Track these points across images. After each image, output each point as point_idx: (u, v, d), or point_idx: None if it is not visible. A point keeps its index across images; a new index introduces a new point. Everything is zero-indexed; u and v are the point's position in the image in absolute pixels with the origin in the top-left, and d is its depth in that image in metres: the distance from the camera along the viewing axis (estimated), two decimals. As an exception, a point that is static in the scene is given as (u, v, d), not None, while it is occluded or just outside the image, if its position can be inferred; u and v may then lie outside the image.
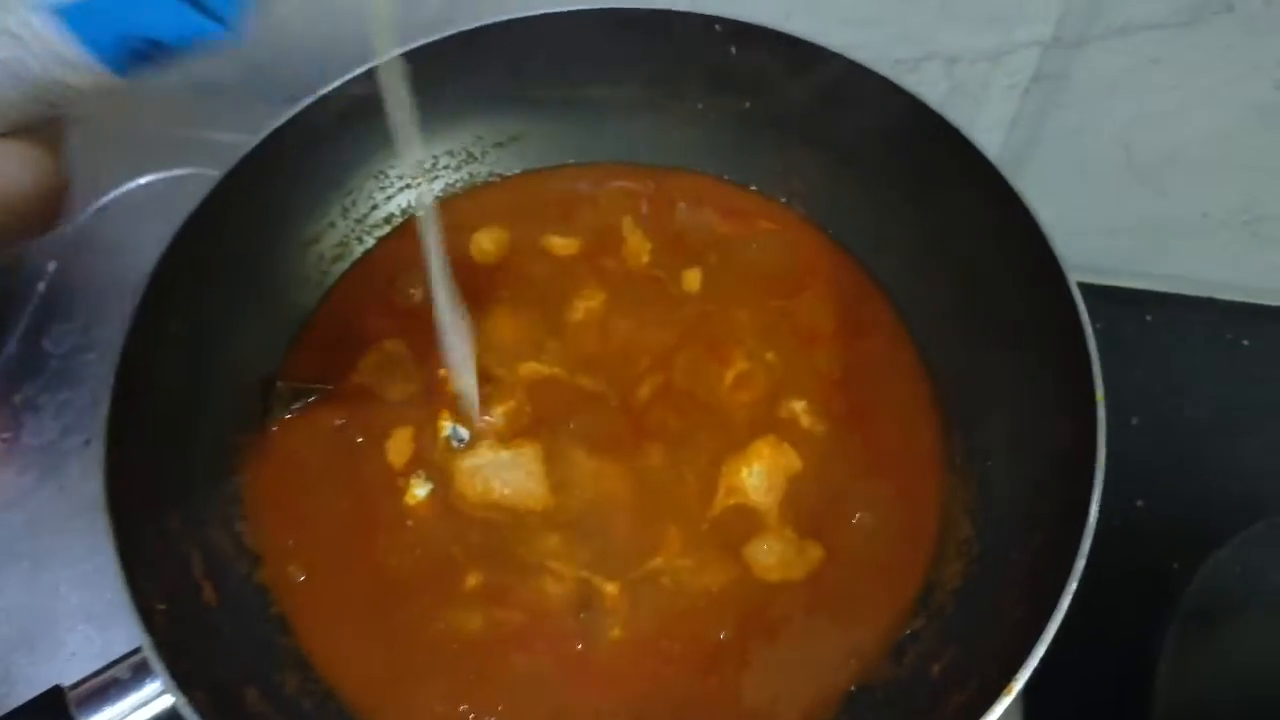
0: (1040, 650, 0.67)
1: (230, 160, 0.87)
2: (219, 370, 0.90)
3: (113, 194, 1.19)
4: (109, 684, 0.71)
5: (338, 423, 0.91)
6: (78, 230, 1.17)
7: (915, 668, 0.79)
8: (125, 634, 0.72)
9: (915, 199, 0.94)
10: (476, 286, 0.97)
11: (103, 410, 0.76)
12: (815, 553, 0.84)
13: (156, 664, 0.69)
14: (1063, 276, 0.79)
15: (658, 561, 0.84)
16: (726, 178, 1.03)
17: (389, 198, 1.02)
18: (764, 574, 0.84)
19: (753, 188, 1.03)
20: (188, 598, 0.79)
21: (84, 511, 1.00)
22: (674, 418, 0.90)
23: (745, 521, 0.86)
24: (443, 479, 0.88)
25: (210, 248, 0.87)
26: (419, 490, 0.88)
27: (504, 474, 0.88)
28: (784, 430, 0.90)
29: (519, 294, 0.97)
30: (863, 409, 0.91)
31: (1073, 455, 0.75)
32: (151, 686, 0.70)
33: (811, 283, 0.98)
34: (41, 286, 1.14)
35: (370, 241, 1.02)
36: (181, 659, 0.71)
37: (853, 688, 0.79)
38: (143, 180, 1.20)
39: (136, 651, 0.71)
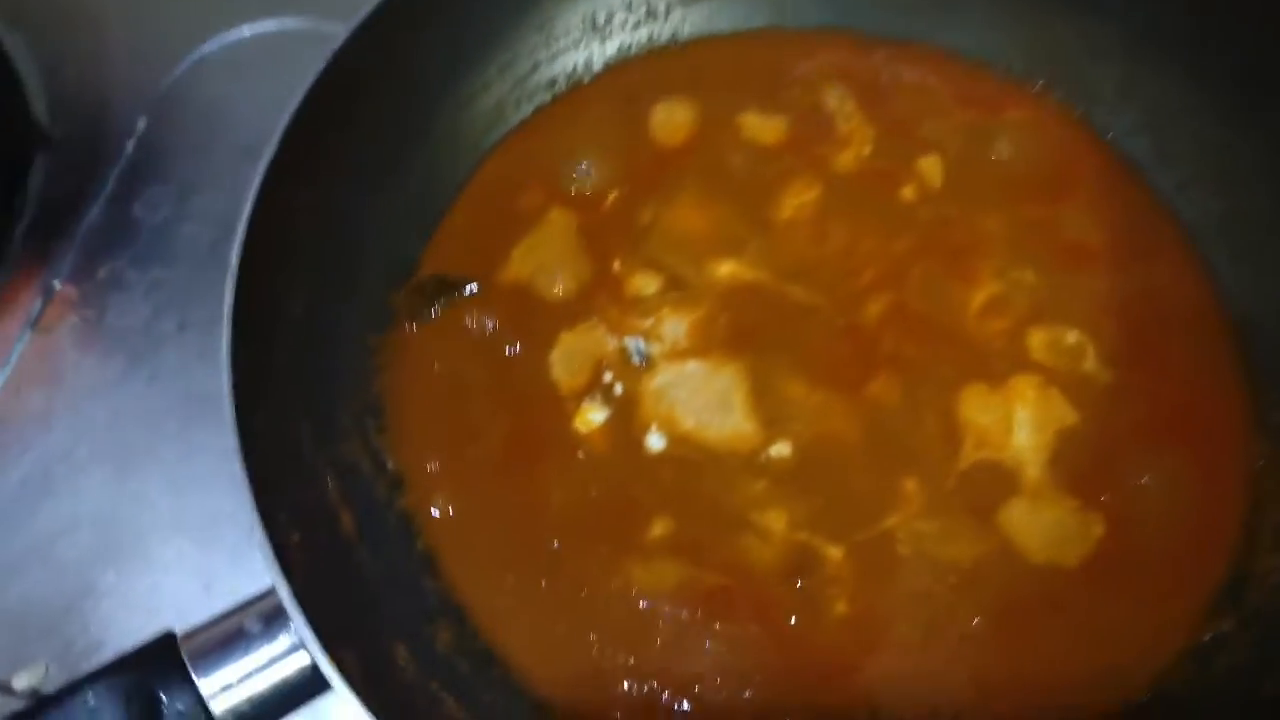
0: None
1: (352, 7, 0.69)
2: (353, 252, 0.74)
3: (211, 44, 1.02)
4: (233, 635, 0.56)
5: (490, 325, 0.75)
6: (172, 84, 1.00)
7: (1230, 681, 0.62)
8: (228, 554, 0.58)
9: (1231, 100, 0.74)
10: (656, 170, 0.80)
11: (227, 298, 0.61)
12: (1095, 529, 0.67)
13: (295, 613, 0.54)
14: None
15: (893, 522, 0.68)
16: (969, 54, 0.83)
17: (554, 57, 0.84)
18: (1028, 550, 0.67)
19: (1001, 67, 0.83)
20: (324, 528, 0.64)
21: (178, 408, 0.86)
22: (910, 345, 0.73)
23: (1002, 481, 0.69)
24: (623, 403, 0.72)
25: (345, 108, 0.70)
26: (593, 415, 0.72)
27: (699, 400, 0.72)
28: (1049, 369, 0.72)
29: (711, 183, 0.79)
30: (1147, 349, 0.72)
31: None
32: (286, 640, 0.56)
33: (1076, 188, 0.78)
34: (130, 145, 0.98)
35: (528, 109, 0.84)
36: (321, 605, 0.57)
37: (1144, 698, 0.63)
38: (245, 31, 1.02)
39: (268, 594, 0.56)
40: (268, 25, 1.02)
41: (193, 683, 0.54)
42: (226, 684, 0.55)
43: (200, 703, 0.54)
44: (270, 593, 0.56)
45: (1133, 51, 0.78)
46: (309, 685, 0.55)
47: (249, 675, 0.55)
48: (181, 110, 1.00)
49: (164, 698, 0.54)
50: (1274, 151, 0.72)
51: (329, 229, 0.71)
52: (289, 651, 0.56)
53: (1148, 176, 0.79)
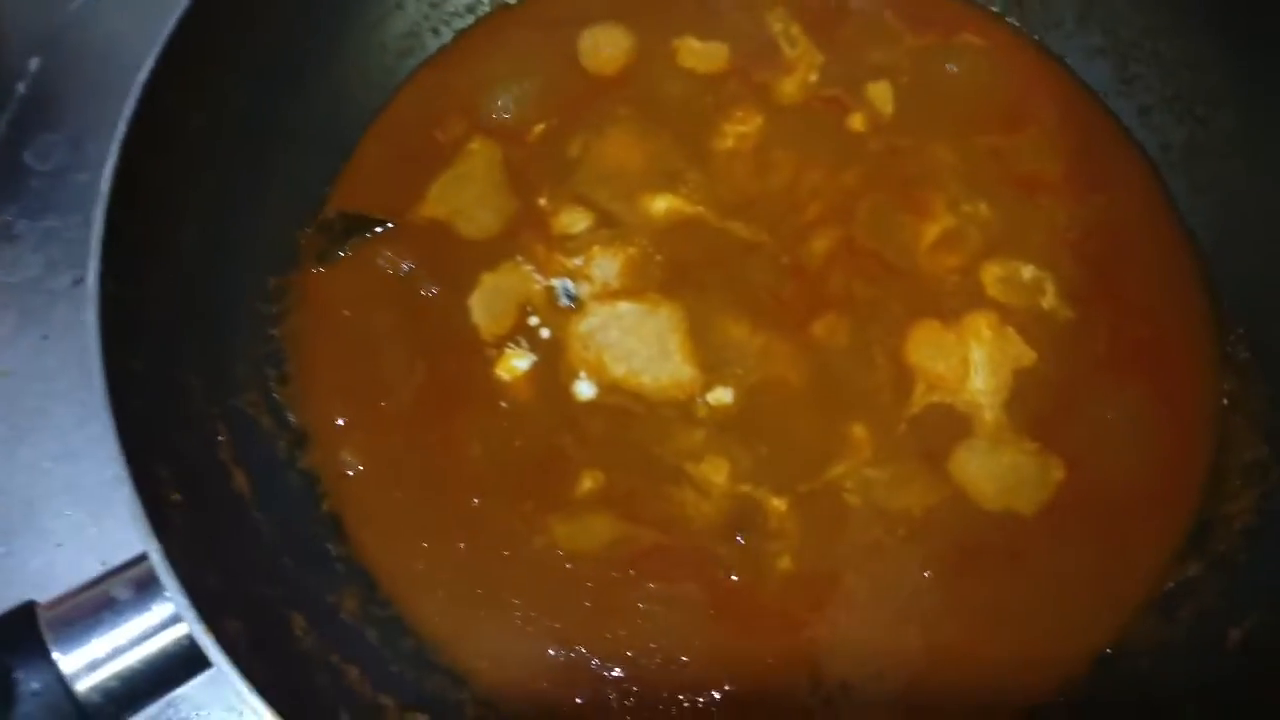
0: None
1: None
2: (253, 185, 0.67)
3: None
4: (100, 604, 0.50)
5: (405, 266, 0.68)
6: (67, 20, 0.92)
7: (1196, 629, 0.58)
8: (129, 529, 0.51)
9: (1194, 17, 0.69)
10: (587, 100, 0.74)
11: (96, 225, 0.54)
12: (1055, 472, 0.63)
13: (168, 577, 0.48)
14: None
15: (839, 470, 0.63)
16: (920, -26, 0.78)
17: (474, -24, 0.77)
18: (983, 497, 0.62)
19: (954, -9, 0.78)
20: (212, 485, 0.58)
21: (74, 367, 0.79)
22: (859, 284, 0.68)
23: (955, 425, 0.64)
24: (549, 348, 0.66)
25: (240, 25, 0.64)
26: (517, 362, 0.66)
27: (632, 344, 0.66)
28: (1005, 306, 0.67)
29: (646, 113, 0.73)
30: (1107, 283, 0.68)
31: None
32: (161, 610, 0.49)
33: (1033, 116, 0.74)
34: (21, 87, 0.89)
35: (448, 34, 0.77)
36: (204, 571, 0.51)
37: (1108, 649, 0.59)
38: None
39: (140, 559, 0.50)
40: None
41: (50, 658, 0.48)
42: (93, 660, 0.49)
43: (60, 680, 0.48)
44: (144, 557, 0.50)
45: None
46: (188, 660, 0.49)
47: (119, 650, 0.49)
48: (77, 49, 0.92)
49: (19, 676, 0.48)
50: (1239, 71, 0.68)
51: (224, 158, 0.65)
52: (166, 624, 0.49)
53: (1107, 103, 0.74)
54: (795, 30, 0.76)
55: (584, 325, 0.67)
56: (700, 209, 0.70)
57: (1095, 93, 0.75)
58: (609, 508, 0.62)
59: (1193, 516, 0.62)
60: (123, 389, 0.52)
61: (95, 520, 0.73)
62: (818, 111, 0.74)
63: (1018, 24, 0.77)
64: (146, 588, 0.49)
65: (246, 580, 0.55)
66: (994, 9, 0.77)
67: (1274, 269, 0.66)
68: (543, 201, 0.70)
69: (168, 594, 0.48)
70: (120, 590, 0.50)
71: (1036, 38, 0.76)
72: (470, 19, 0.77)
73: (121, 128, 0.57)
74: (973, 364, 0.66)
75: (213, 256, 0.63)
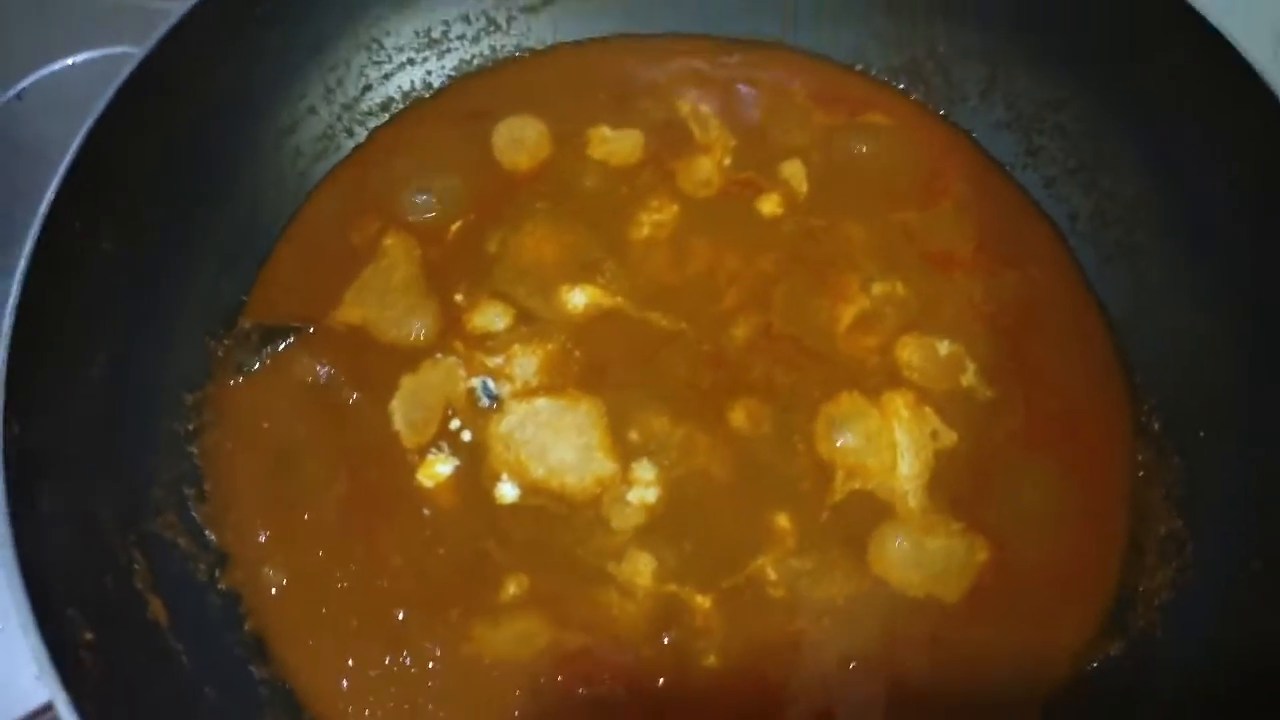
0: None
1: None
2: (165, 301, 0.66)
3: (32, 78, 0.93)
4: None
5: (324, 374, 0.68)
6: (-12, 118, 0.91)
7: (1119, 710, 0.59)
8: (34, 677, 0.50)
9: (1094, 88, 0.71)
10: (503, 194, 0.74)
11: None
12: (979, 554, 0.63)
13: (76, 731, 0.47)
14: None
15: (763, 564, 0.63)
16: (826, 55, 0.79)
17: (386, 76, 0.78)
18: (907, 584, 0.63)
19: (860, 69, 0.79)
20: (127, 617, 0.57)
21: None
22: (779, 370, 0.68)
23: (877, 511, 0.65)
24: (471, 451, 0.66)
25: (147, 140, 0.64)
26: (439, 467, 0.66)
27: (552, 442, 0.66)
28: (923, 387, 0.68)
29: (562, 206, 0.74)
30: (1023, 357, 0.69)
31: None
32: (68, 762, 0.49)
33: (943, 191, 0.75)
34: (-63, 192, 0.89)
35: (362, 133, 0.77)
36: (116, 711, 0.50)
37: (1032, 736, 0.60)
38: (70, 60, 0.93)
39: (48, 709, 0.49)
40: (102, 52, 0.94)
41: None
42: (-1, 819, 0.48)
43: None
44: (49, 708, 0.49)
45: (996, 47, 0.75)
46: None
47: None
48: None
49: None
50: (1139, 140, 0.70)
51: (135, 279, 0.64)
52: (73, 774, 0.48)
53: (1015, 175, 0.76)
54: (706, 113, 0.77)
55: (504, 425, 0.67)
56: (619, 300, 0.71)
57: (1002, 165, 0.76)
58: (534, 612, 0.62)
59: (1113, 594, 0.63)
60: (29, 531, 0.51)
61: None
62: (733, 196, 0.74)
63: (923, 99, 0.78)
64: (52, 741, 0.49)
65: (164, 714, 0.54)
66: (899, 85, 0.79)
67: (1183, 339, 0.67)
68: (460, 299, 0.70)
69: (74, 747, 0.47)
70: (25, 746, 0.49)
71: (942, 113, 0.78)
72: (385, 117, 0.78)
73: (22, 261, 0.57)
74: (893, 447, 0.66)
75: (125, 381, 0.62)
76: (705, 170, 0.75)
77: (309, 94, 0.74)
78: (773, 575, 0.63)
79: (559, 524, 0.64)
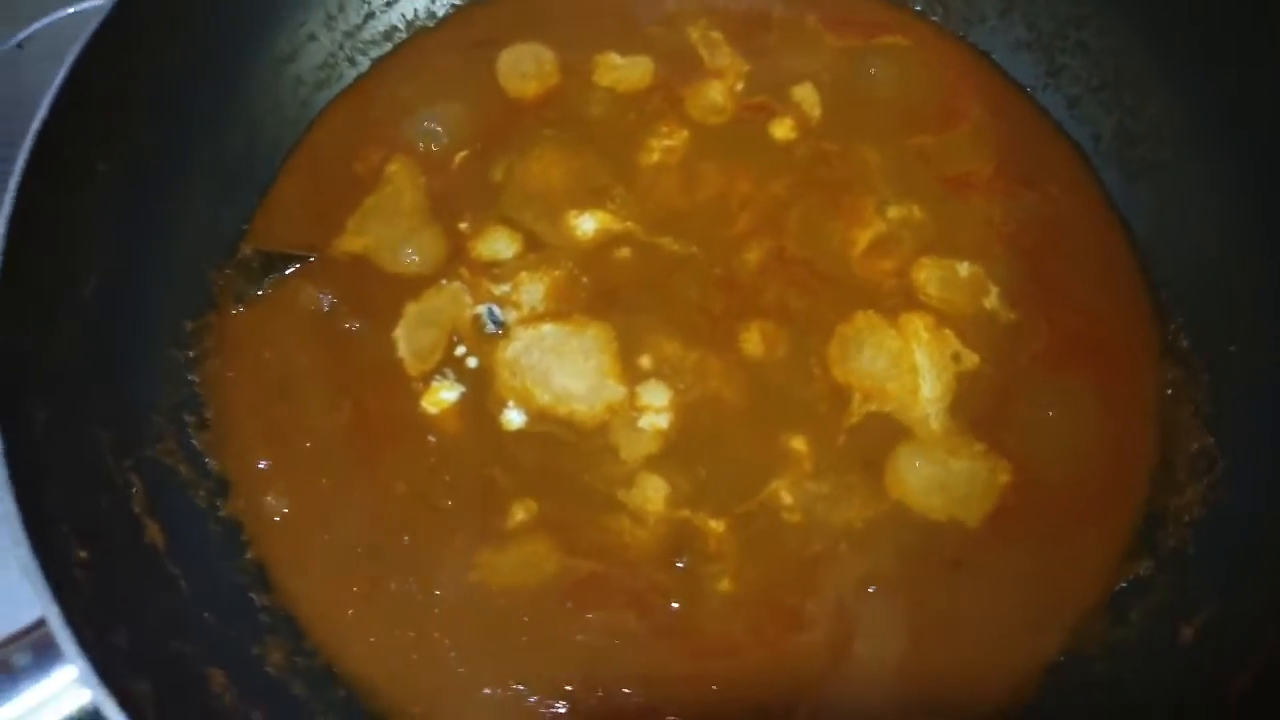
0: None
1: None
2: (165, 230, 0.65)
3: (32, 28, 0.92)
4: (-4, 672, 0.47)
5: (326, 302, 0.66)
6: (-13, 70, 0.90)
7: (1150, 629, 0.57)
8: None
9: (1130, 6, 0.69)
10: (509, 122, 0.72)
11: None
12: (1001, 476, 0.61)
13: (68, 642, 0.46)
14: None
15: (778, 488, 0.61)
16: (840, -22, 0.77)
17: (389, 4, 0.76)
18: (929, 507, 0.61)
19: (875, -9, 0.77)
20: (122, 540, 0.55)
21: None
22: (793, 294, 0.66)
23: (897, 433, 0.63)
24: (477, 377, 0.65)
25: (141, 65, 0.62)
26: (445, 394, 0.64)
27: (560, 368, 0.64)
28: (942, 309, 0.66)
29: (570, 132, 0.72)
30: (1045, 278, 0.67)
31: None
32: (62, 676, 0.47)
33: (961, 114, 0.73)
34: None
35: (364, 63, 0.75)
36: (111, 632, 0.49)
37: (1061, 657, 0.57)
38: (71, 9, 0.92)
39: (41, 624, 0.48)
40: (94, 3, 0.93)
41: (-62, 735, 0.45)
42: (-8, 732, 0.46)
43: (-50, 758, 0.45)
44: (43, 621, 0.47)
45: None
46: (95, 727, 0.47)
47: (17, 720, 0.47)
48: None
49: (-93, 755, 0.45)
50: (1163, 55, 0.67)
51: (132, 202, 0.63)
52: (66, 690, 0.47)
53: (1036, 97, 0.73)
54: (718, 39, 0.75)
55: (510, 351, 0.65)
56: (628, 225, 0.69)
57: (1023, 87, 0.74)
58: (543, 539, 0.60)
59: (1140, 513, 0.61)
60: (21, 441, 0.50)
61: None
62: (744, 121, 0.72)
63: (940, 21, 0.76)
64: (46, 653, 0.47)
65: (160, 638, 0.53)
66: (916, 7, 0.77)
67: (1209, 255, 0.64)
68: (466, 227, 0.69)
69: (69, 659, 0.46)
70: (18, 657, 0.47)
71: (960, 34, 0.76)
72: (388, 46, 0.76)
73: (16, 176, 0.55)
74: (912, 369, 0.64)
75: (123, 303, 0.61)
76: (716, 95, 0.73)
77: (309, 20, 0.73)
78: (788, 499, 0.61)
79: (567, 451, 0.62)
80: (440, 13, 0.77)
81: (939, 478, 0.61)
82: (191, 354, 0.65)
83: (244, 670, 0.55)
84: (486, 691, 0.57)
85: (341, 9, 0.74)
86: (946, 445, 0.62)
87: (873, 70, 0.74)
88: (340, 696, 0.57)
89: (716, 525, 0.60)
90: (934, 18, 0.76)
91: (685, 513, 0.61)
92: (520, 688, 0.57)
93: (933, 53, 0.75)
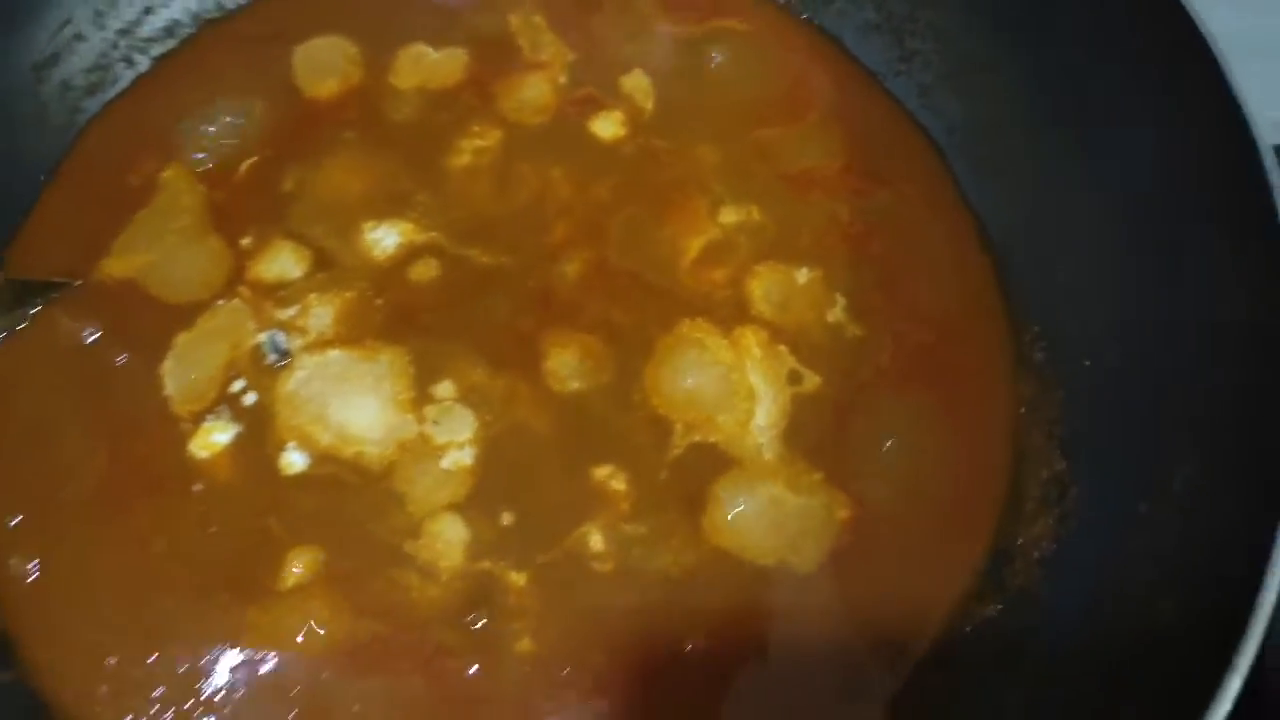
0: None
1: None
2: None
3: None
4: None
5: (87, 334, 0.59)
6: None
7: (979, 676, 0.51)
8: None
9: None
10: (304, 126, 0.65)
11: None
12: (840, 511, 0.55)
13: None
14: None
15: (589, 531, 0.55)
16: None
17: (171, -5, 0.68)
18: (758, 551, 0.54)
19: (712, -30, 0.70)
20: None
21: None
22: (616, 310, 0.60)
23: (723, 466, 0.56)
24: (255, 415, 0.57)
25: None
26: (216, 435, 0.57)
27: (346, 401, 0.57)
28: (778, 321, 0.59)
29: (372, 132, 0.65)
30: (893, 285, 0.61)
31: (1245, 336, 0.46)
32: None
33: (807, 107, 0.66)
34: None
35: (144, 62, 0.68)
36: None
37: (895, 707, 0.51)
38: None
39: None
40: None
41: None
42: None
43: None
44: None
45: (858, -63, 0.66)
46: None
47: None
48: None
49: None
50: (1017, 40, 0.61)
51: None
52: None
53: (886, 84, 0.67)
54: (540, 25, 0.68)
55: (293, 383, 0.58)
56: (432, 235, 0.62)
57: (873, 74, 0.67)
58: (320, 597, 0.53)
59: (988, 548, 0.55)
60: None
61: None
62: (567, 117, 0.65)
63: (785, 4, 0.69)
64: None
65: None
66: (759, -11, 0.70)
67: (1068, 259, 0.58)
68: (248, 243, 0.61)
69: None
70: None
71: (807, 17, 0.69)
72: (172, 42, 0.68)
73: None
74: (743, 392, 0.58)
75: None
76: (537, 89, 0.66)
77: (74, 18, 0.65)
78: (599, 545, 0.54)
79: (351, 496, 0.55)
80: (230, 4, 0.69)
81: (769, 517, 0.55)
82: (-69, 396, 0.57)
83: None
84: (244, 779, 0.50)
85: (113, 4, 0.66)
86: (779, 478, 0.56)
87: (714, 56, 0.67)
88: (77, 794, 0.50)
89: (518, 578, 0.54)
90: (779, 0, 0.69)
91: (485, 564, 0.54)
92: (289, 773, 0.50)
93: (776, 37, 0.68)
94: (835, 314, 0.60)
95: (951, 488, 0.56)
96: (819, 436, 0.57)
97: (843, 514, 0.55)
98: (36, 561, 0.55)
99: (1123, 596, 0.49)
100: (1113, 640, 0.48)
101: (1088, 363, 0.56)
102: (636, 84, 0.66)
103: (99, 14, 0.65)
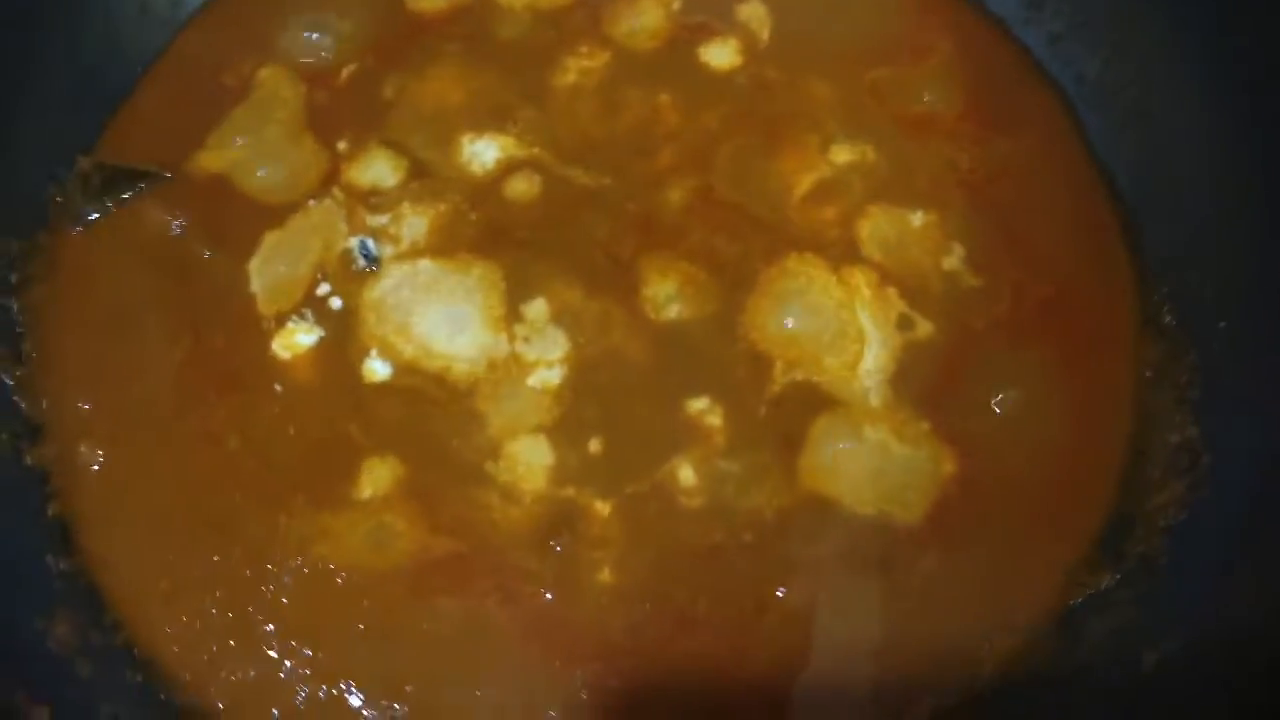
0: None
1: None
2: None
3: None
4: None
5: (175, 225, 0.57)
6: None
7: (1108, 654, 0.47)
8: None
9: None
10: (408, 38, 0.63)
11: None
12: (945, 465, 0.52)
13: None
14: None
15: (680, 465, 0.52)
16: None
17: (283, -105, 0.67)
18: (857, 499, 0.51)
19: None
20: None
21: None
22: (719, 240, 0.57)
23: (824, 407, 0.53)
24: (340, 320, 0.55)
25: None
26: (300, 337, 0.55)
27: (435, 313, 0.55)
28: (889, 265, 0.56)
29: (477, 48, 0.63)
30: (1012, 236, 0.57)
31: None
32: None
33: (929, 47, 0.63)
34: None
35: (250, -38, 0.66)
36: None
37: (1001, 684, 0.48)
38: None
39: None
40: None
41: None
42: None
43: None
44: None
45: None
46: None
47: None
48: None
49: None
50: None
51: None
52: None
53: (1014, 32, 0.64)
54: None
55: (380, 291, 0.56)
56: (534, 151, 0.59)
57: (1000, 20, 0.64)
58: (397, 510, 0.51)
59: (1106, 515, 0.51)
60: None
61: None
62: (679, 43, 0.63)
63: (914, -56, 0.66)
64: None
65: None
66: (886, -72, 0.67)
67: (1201, 217, 0.55)
68: (344, 147, 0.59)
69: None
70: None
71: (936, -41, 0.66)
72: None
73: None
74: (851, 333, 0.54)
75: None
76: (650, 15, 0.64)
77: (183, -90, 0.63)
78: (691, 480, 0.51)
79: (434, 410, 0.53)
80: (342, -92, 0.67)
81: (873, 464, 0.52)
82: (14, 278, 0.56)
83: (16, 644, 0.46)
84: (304, 691, 0.48)
85: (225, -106, 0.65)
86: (884, 425, 0.53)
87: (835, -2, 0.64)
88: (134, 683, 0.48)
89: (602, 507, 0.51)
90: (906, -61, 0.66)
91: (569, 490, 0.51)
92: (351, 685, 0.48)
93: (902, -23, 0.65)
94: (951, 261, 0.57)
95: (1068, 449, 0.52)
96: (928, 385, 0.54)
97: (949, 468, 0.52)
98: (104, 450, 0.53)
99: (1253, 572, 0.45)
100: (1240, 617, 0.45)
101: (1223, 324, 0.52)
102: (753, 12, 0.64)
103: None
